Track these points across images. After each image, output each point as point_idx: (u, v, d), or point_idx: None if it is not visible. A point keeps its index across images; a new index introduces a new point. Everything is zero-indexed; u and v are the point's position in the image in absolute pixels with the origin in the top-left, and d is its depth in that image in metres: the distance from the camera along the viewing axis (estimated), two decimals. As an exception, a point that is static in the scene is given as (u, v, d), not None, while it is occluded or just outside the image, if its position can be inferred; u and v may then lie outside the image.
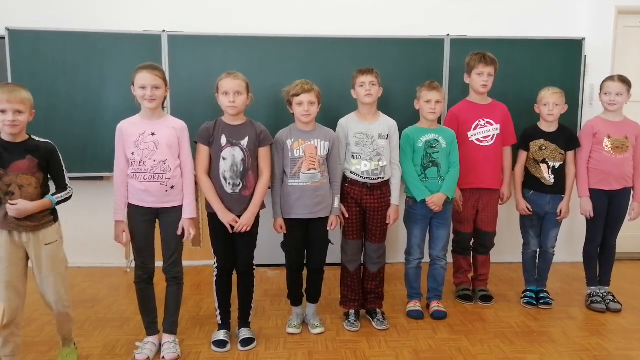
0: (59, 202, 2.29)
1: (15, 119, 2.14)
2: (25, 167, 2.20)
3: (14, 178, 2.18)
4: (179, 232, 2.52)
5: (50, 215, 2.29)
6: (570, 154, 3.16)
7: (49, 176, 2.31)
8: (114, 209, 2.51)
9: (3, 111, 2.13)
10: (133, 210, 2.49)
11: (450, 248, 3.27)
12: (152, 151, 2.44)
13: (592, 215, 3.13)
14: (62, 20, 3.65)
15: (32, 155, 2.21)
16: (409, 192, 3.00)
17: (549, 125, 3.15)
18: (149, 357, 2.50)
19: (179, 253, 2.57)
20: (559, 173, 3.15)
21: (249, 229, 2.58)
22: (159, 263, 2.58)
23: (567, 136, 3.15)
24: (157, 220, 2.55)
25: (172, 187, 2.48)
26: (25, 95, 2.20)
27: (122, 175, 2.49)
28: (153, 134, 2.45)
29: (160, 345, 2.59)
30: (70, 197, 2.35)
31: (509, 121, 3.24)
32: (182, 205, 2.52)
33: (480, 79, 3.13)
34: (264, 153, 2.65)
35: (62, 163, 2.33)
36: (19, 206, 2.15)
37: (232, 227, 2.57)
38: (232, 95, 2.54)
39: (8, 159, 2.17)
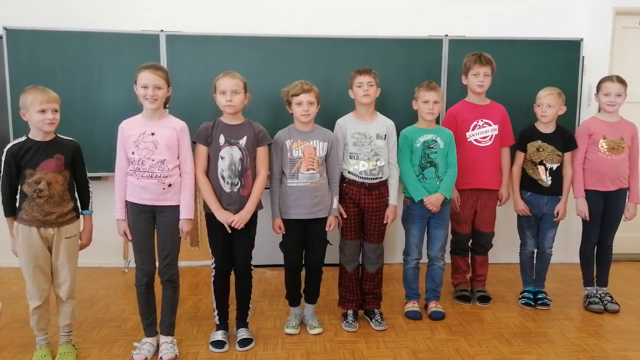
0: (92, 206, 2.56)
1: (54, 117, 2.33)
2: (54, 166, 2.36)
3: (43, 176, 2.34)
4: (179, 234, 2.54)
5: (73, 212, 2.47)
6: (567, 155, 3.15)
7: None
8: (115, 207, 2.52)
9: (43, 111, 2.30)
10: (131, 208, 2.50)
11: (448, 249, 3.27)
12: (151, 151, 2.44)
13: (587, 217, 3.13)
14: (60, 19, 3.65)
15: (59, 153, 2.38)
16: (407, 192, 3.00)
17: (546, 126, 3.15)
18: (146, 358, 2.50)
19: (174, 255, 2.56)
20: (556, 174, 3.14)
21: (242, 225, 2.57)
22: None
23: (565, 138, 3.15)
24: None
25: (170, 185, 2.48)
26: (57, 95, 2.39)
27: (123, 174, 2.50)
28: (153, 134, 2.46)
29: (158, 346, 2.59)
30: (92, 193, 2.57)
31: (507, 122, 3.24)
32: (179, 205, 2.52)
33: (476, 79, 3.13)
34: (262, 152, 2.65)
35: (84, 161, 2.53)
36: (85, 244, 2.56)
37: (230, 227, 2.57)
38: (229, 94, 2.54)
39: (38, 158, 2.34)
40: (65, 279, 2.45)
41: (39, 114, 2.30)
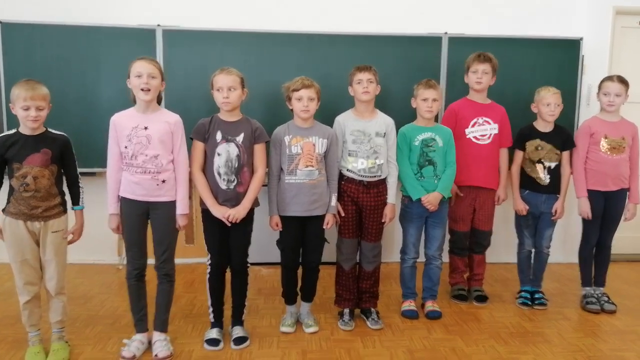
0: (83, 201, 2.51)
1: (37, 114, 2.30)
2: (40, 160, 2.34)
3: (29, 170, 2.32)
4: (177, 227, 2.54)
5: (60, 207, 2.43)
6: (565, 154, 3.16)
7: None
8: (108, 201, 2.50)
9: (26, 108, 2.28)
10: (124, 204, 2.47)
11: (446, 248, 3.25)
12: (144, 146, 2.41)
13: (590, 216, 3.12)
14: (55, 13, 3.62)
15: (46, 148, 2.35)
16: (405, 191, 2.99)
17: (545, 125, 3.15)
18: (134, 355, 2.47)
19: (171, 250, 2.54)
20: (555, 173, 3.15)
21: (237, 220, 2.55)
22: (150, 260, 2.55)
23: (563, 136, 3.15)
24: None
25: (164, 181, 2.46)
26: (45, 91, 2.35)
27: (115, 168, 2.47)
28: (146, 128, 2.42)
29: (148, 343, 2.57)
30: (83, 189, 2.52)
31: (507, 123, 3.24)
32: (173, 201, 2.50)
33: (475, 76, 3.14)
34: (259, 150, 2.63)
35: (74, 156, 2.48)
36: (76, 238, 2.49)
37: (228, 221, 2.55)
38: (225, 90, 2.52)
39: (25, 153, 2.33)
40: (54, 274, 2.43)
41: (22, 111, 2.29)
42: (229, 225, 2.55)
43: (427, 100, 2.91)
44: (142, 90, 2.39)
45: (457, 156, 3.02)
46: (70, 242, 2.49)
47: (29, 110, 2.28)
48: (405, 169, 2.94)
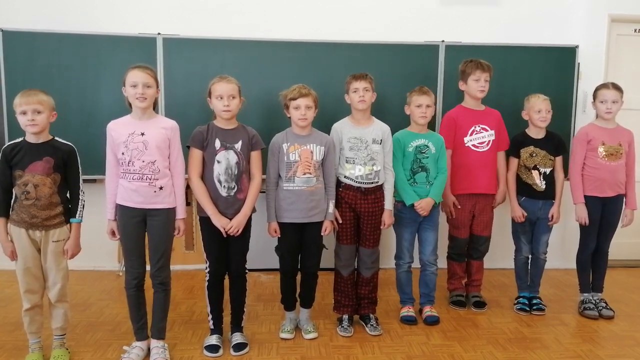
0: (81, 214, 2.47)
1: (34, 117, 2.30)
2: (41, 169, 2.35)
3: (30, 178, 2.33)
4: (176, 233, 2.56)
5: (61, 216, 2.43)
6: (558, 159, 3.19)
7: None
8: (106, 207, 2.51)
9: (24, 113, 2.30)
10: (122, 211, 2.47)
11: (442, 254, 3.26)
12: (141, 152, 2.42)
13: (587, 222, 3.14)
14: (56, 21, 3.65)
15: (49, 156, 2.36)
16: (398, 196, 3.01)
17: (537, 131, 3.18)
18: None
19: (166, 257, 2.54)
20: (550, 179, 3.17)
21: (240, 231, 2.57)
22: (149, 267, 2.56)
23: (555, 142, 3.19)
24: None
25: (161, 188, 2.46)
26: (43, 97, 2.36)
27: (112, 175, 2.48)
28: (142, 134, 2.44)
29: (148, 350, 2.57)
30: (84, 202, 2.49)
31: (503, 127, 3.27)
32: (170, 208, 2.51)
33: (478, 84, 3.15)
34: (255, 157, 2.65)
35: (79, 166, 2.48)
36: (72, 253, 2.46)
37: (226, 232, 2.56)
38: (226, 99, 2.54)
39: (27, 160, 2.34)
40: (55, 282, 2.44)
41: (21, 116, 2.31)
42: (226, 236, 2.57)
43: (421, 106, 2.94)
44: (137, 99, 2.42)
45: (458, 165, 3.04)
46: (69, 258, 2.48)
47: (26, 114, 2.29)
48: (399, 175, 2.96)
